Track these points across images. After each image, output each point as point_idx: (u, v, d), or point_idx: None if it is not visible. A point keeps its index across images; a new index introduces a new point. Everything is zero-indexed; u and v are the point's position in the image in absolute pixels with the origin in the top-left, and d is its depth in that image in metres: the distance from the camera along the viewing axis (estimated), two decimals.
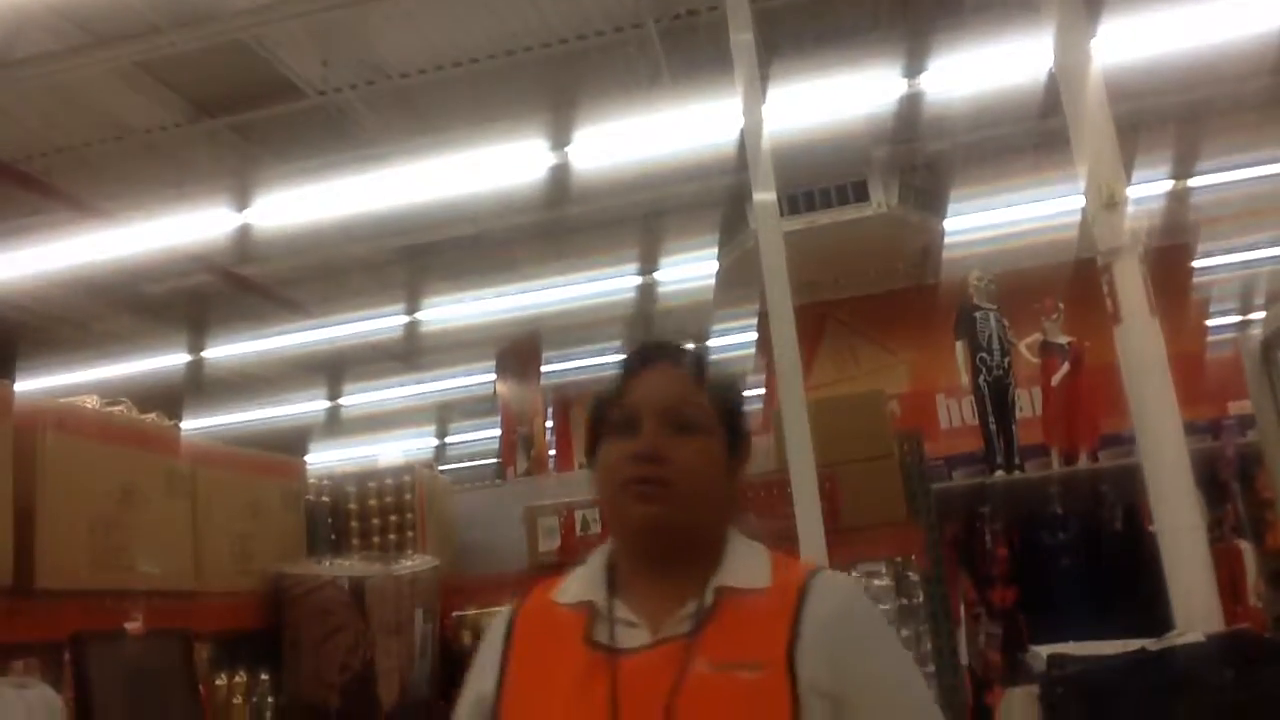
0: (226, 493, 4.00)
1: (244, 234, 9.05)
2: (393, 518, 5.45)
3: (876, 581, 5.41)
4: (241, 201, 8.57)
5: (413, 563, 4.71)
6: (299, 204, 8.54)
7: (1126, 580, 6.73)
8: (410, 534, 5.40)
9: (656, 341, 1.72)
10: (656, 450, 1.52)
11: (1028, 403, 9.02)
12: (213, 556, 3.83)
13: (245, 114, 8.43)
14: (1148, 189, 9.59)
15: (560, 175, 8.68)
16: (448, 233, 10.31)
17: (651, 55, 7.98)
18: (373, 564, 4.53)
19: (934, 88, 7.83)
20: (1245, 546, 6.97)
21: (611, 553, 1.63)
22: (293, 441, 13.06)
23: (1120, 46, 6.83)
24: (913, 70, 7.59)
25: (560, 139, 8.04)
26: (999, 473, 7.69)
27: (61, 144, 8.61)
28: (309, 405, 15.32)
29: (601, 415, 1.64)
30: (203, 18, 6.79)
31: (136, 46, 7.04)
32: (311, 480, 5.31)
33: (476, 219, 10.03)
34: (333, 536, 5.32)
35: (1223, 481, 7.31)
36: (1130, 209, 5.36)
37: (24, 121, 8.17)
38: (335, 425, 15.75)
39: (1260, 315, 6.99)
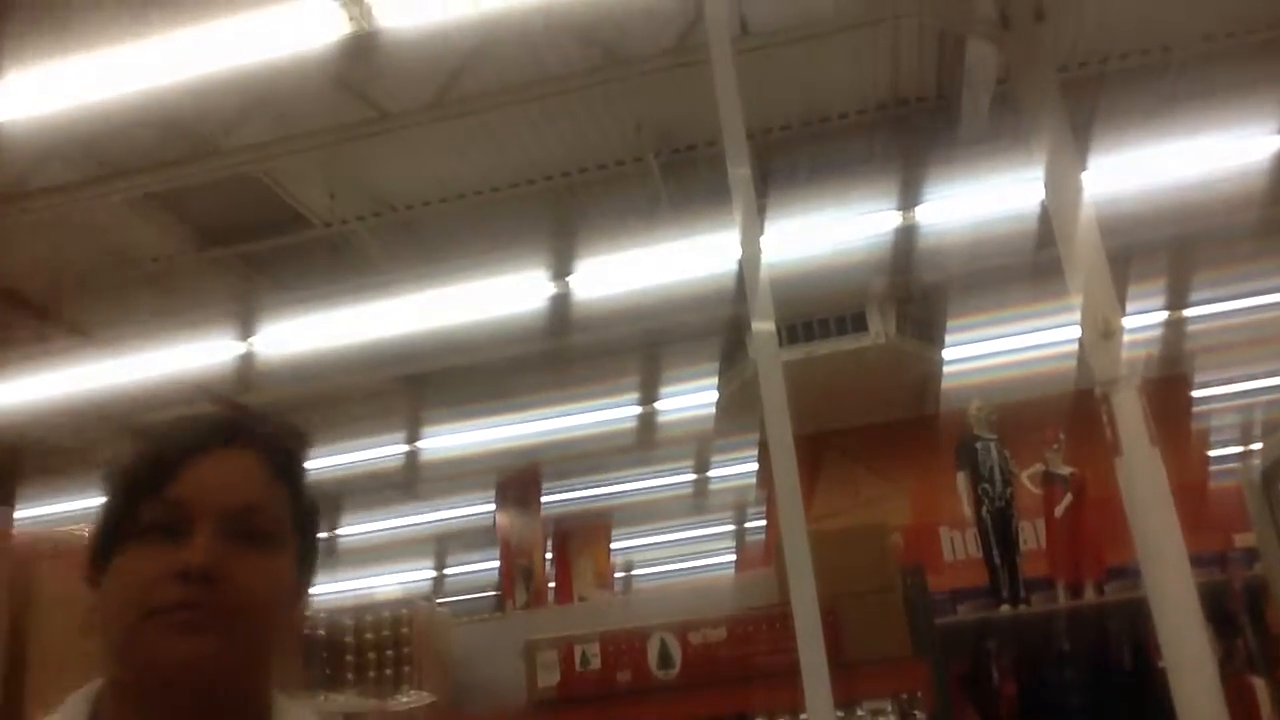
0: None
1: (246, 362, 9.10)
2: (389, 652, 5.35)
3: (882, 718, 5.28)
4: (245, 330, 8.64)
5: (409, 698, 4.61)
6: (302, 332, 8.60)
7: (1137, 717, 6.58)
8: (407, 669, 5.30)
9: (231, 415, 1.27)
10: (213, 566, 1.07)
11: (1031, 534, 8.93)
12: None
13: (252, 244, 8.56)
14: (1144, 319, 9.68)
15: (561, 305, 8.77)
16: (449, 362, 10.36)
17: (651, 188, 8.15)
18: (369, 699, 4.42)
19: (929, 220, 7.97)
20: (1257, 682, 6.83)
21: (98, 699, 1.14)
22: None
23: (1111, 179, 6.98)
24: (908, 203, 7.73)
25: (561, 269, 8.14)
26: (1004, 607, 7.58)
27: (69, 272, 8.72)
28: None
29: (127, 509, 1.14)
30: (213, 151, 6.95)
31: (148, 178, 7.19)
32: (307, 613, 5.22)
33: (477, 348, 10.09)
34: (328, 670, 5.22)
35: (1232, 615, 7.21)
36: (1126, 339, 5.40)
37: (33, 250, 8.30)
38: (332, 556, 15.56)
39: (1260, 446, 6.98)
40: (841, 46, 6.86)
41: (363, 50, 5.84)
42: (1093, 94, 7.75)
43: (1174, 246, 9.22)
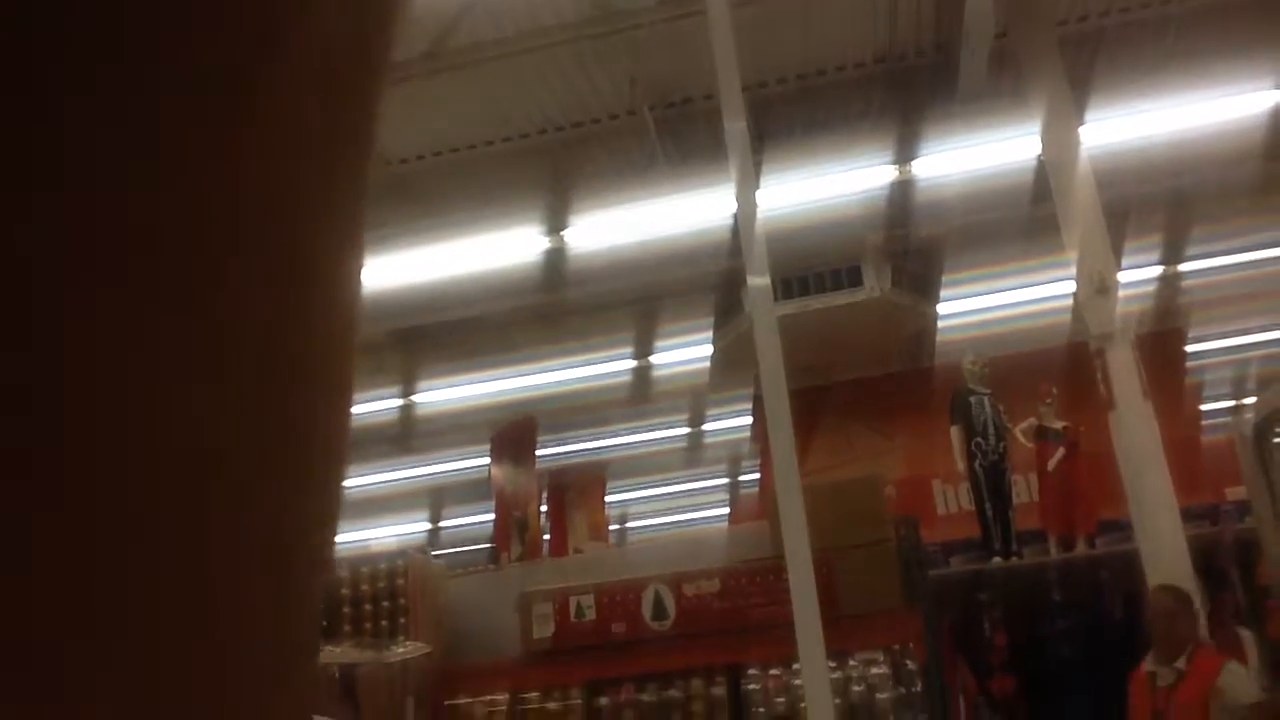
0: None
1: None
2: (385, 603, 5.40)
3: (874, 670, 5.35)
4: None
5: (405, 650, 4.65)
6: None
7: (1127, 669, 6.66)
8: (402, 620, 5.35)
9: None
10: None
11: (1024, 488, 8.98)
12: None
13: None
14: (1138, 274, 9.68)
15: (556, 259, 8.75)
16: (443, 316, 10.35)
17: (647, 142, 8.10)
18: (364, 651, 4.47)
19: (925, 174, 7.94)
20: (1246, 634, 6.90)
21: None
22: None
23: (1108, 134, 6.95)
24: (904, 157, 7.70)
25: (556, 223, 8.12)
26: (996, 559, 7.64)
27: None
28: None
29: None
30: None
31: None
32: None
33: (472, 302, 10.08)
34: (324, 622, 5.26)
35: (1222, 568, 7.27)
36: (1121, 294, 5.41)
37: None
38: None
39: (1253, 400, 7.02)
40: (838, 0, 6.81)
41: None
42: (1090, 49, 7.70)
43: (1170, 202, 9.21)
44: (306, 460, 0.27)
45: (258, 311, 0.24)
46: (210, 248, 0.22)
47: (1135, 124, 7.28)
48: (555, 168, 8.28)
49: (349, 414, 0.29)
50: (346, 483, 0.31)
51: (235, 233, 0.23)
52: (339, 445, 0.29)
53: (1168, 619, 4.63)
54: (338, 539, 0.30)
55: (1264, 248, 9.97)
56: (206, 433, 0.23)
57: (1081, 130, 5.84)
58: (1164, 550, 5.07)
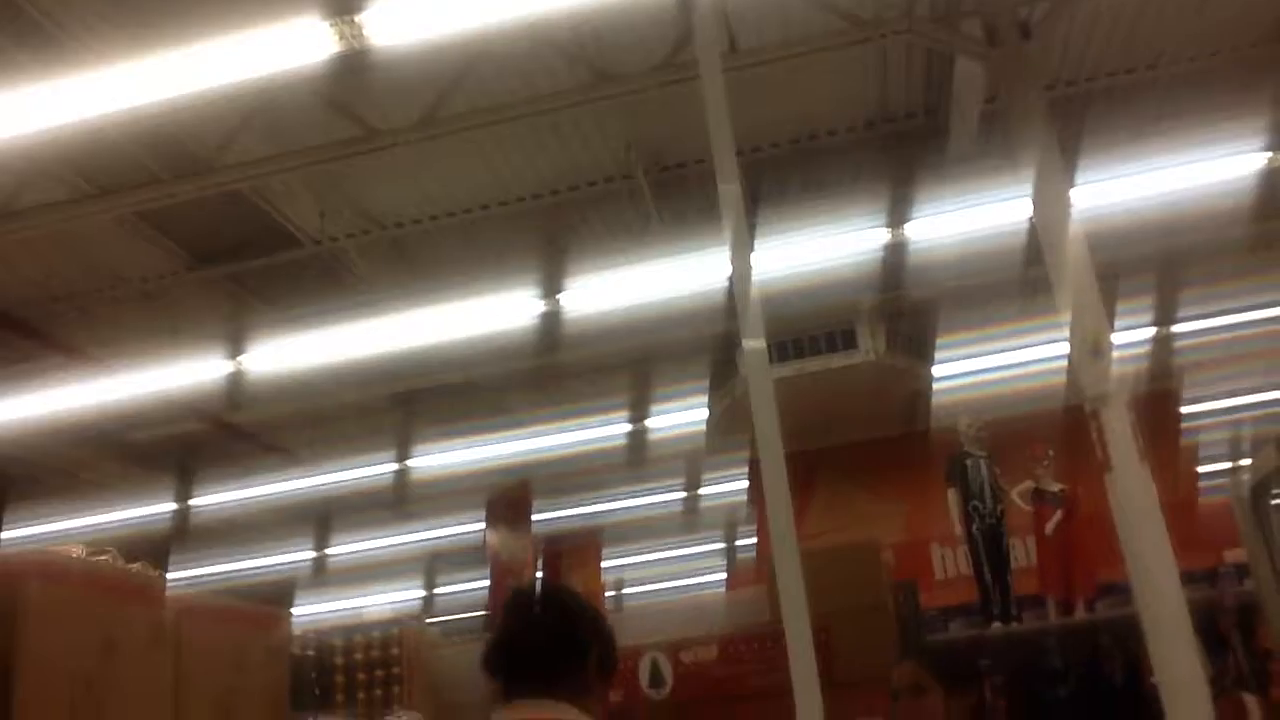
0: (210, 645, 3.91)
1: (236, 381, 9.07)
2: (379, 673, 5.34)
3: None
4: (235, 349, 8.62)
5: (399, 719, 4.59)
6: (292, 351, 8.58)
7: None
8: (397, 689, 5.28)
9: None
10: None
11: (1022, 551, 8.93)
12: (194, 712, 3.72)
13: (242, 263, 8.55)
14: (1132, 336, 9.71)
15: (551, 322, 8.77)
16: (439, 379, 10.35)
17: (642, 205, 8.16)
18: None
19: (918, 237, 8.00)
20: (1249, 700, 6.82)
21: None
22: (279, 592, 12.84)
23: (1099, 196, 7.01)
24: (897, 219, 7.76)
25: (552, 286, 8.15)
26: (996, 624, 7.57)
27: (58, 292, 8.70)
28: (296, 555, 15.11)
29: None
30: (202, 169, 6.94)
31: (137, 197, 7.17)
32: (297, 633, 5.22)
33: (468, 366, 10.09)
34: (318, 691, 5.19)
35: (1223, 632, 7.21)
36: (1115, 355, 5.41)
37: (21, 269, 8.27)
38: (322, 575, 15.50)
39: (1248, 462, 7.00)
40: (830, 64, 6.89)
41: (353, 69, 5.84)
42: (1080, 112, 7.80)
43: (1162, 263, 9.27)
44: None
45: None
46: None
47: (1126, 186, 7.36)
48: (551, 231, 8.33)
49: None
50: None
51: None
52: None
53: None
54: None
55: (1256, 309, 10.02)
56: None
57: (1072, 193, 5.88)
58: (1164, 614, 5.01)
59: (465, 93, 6.60)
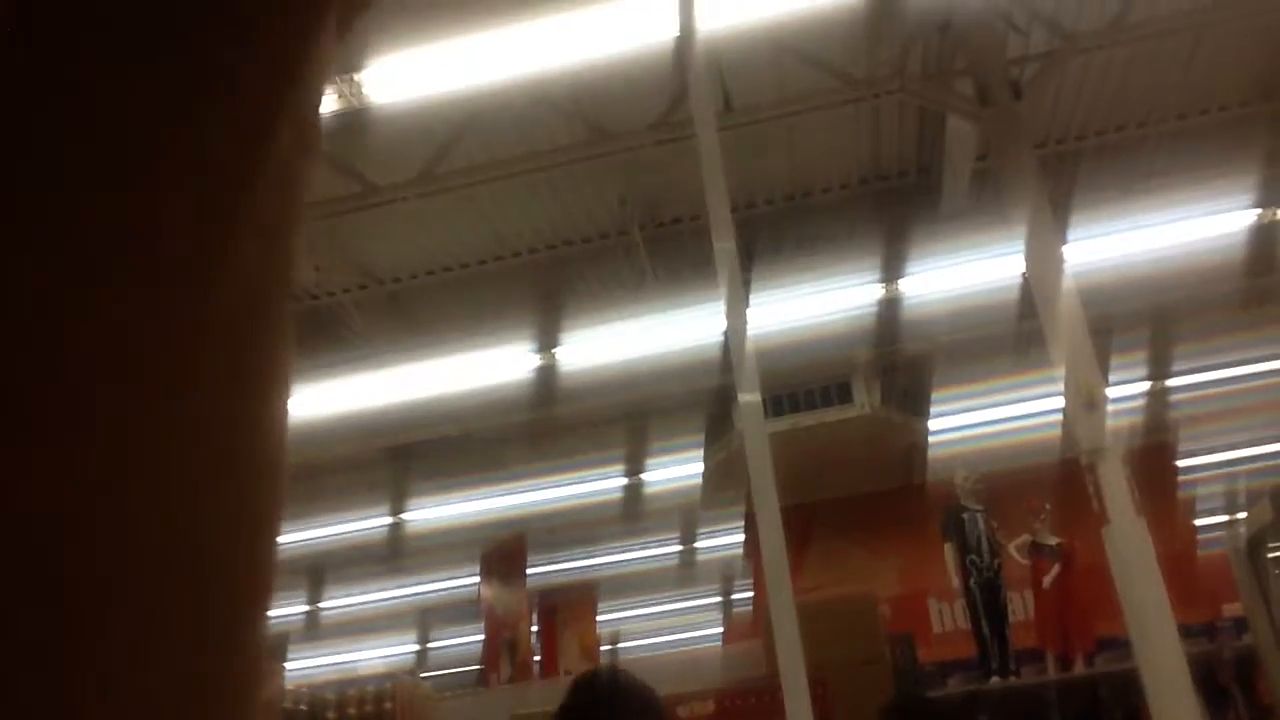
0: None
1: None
2: None
3: None
4: None
5: None
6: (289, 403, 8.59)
7: None
8: None
9: None
10: None
11: (1020, 605, 8.90)
12: None
13: None
14: (1126, 389, 9.75)
15: (547, 376, 8.79)
16: (434, 433, 10.35)
17: (637, 261, 8.22)
18: None
19: (912, 292, 8.05)
20: None
21: None
22: (272, 646, 12.71)
23: (1090, 252, 7.08)
24: (891, 275, 7.82)
25: (547, 341, 8.18)
26: (994, 679, 7.52)
27: None
28: (288, 609, 15.00)
29: None
30: None
31: None
32: (290, 688, 5.18)
33: (463, 419, 10.09)
34: None
35: (1222, 685, 7.17)
36: (1110, 409, 5.44)
37: None
38: (315, 629, 15.38)
39: (1244, 515, 7.01)
40: (824, 122, 6.98)
41: (352, 125, 5.92)
42: (1071, 169, 7.89)
43: (1155, 318, 9.32)
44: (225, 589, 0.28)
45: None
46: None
47: (1117, 242, 7.43)
48: (547, 286, 8.38)
49: (273, 551, 0.30)
50: (270, 617, 0.31)
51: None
52: (261, 580, 0.29)
53: None
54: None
55: (1248, 363, 10.07)
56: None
57: (1064, 248, 5.95)
58: (1163, 668, 5.00)
59: (463, 149, 6.67)
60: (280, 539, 0.31)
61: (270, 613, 0.31)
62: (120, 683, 0.25)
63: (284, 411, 0.31)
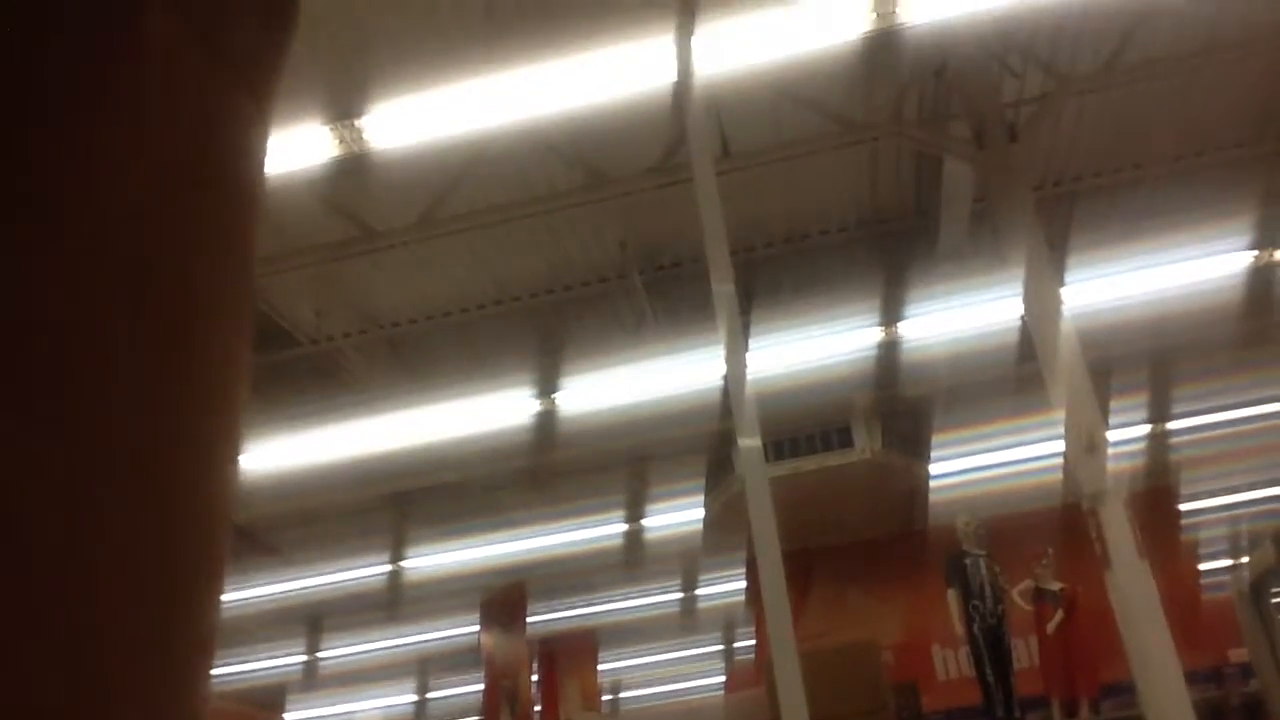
0: None
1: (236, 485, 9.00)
2: None
3: None
4: None
5: None
6: (286, 449, 8.56)
7: None
8: None
9: None
10: None
11: (1024, 651, 8.82)
12: None
13: None
14: (1127, 432, 9.72)
15: (547, 421, 8.77)
16: (433, 479, 10.30)
17: (637, 304, 8.22)
18: None
19: (912, 335, 8.05)
20: None
21: None
22: (272, 695, 12.61)
23: (1089, 294, 7.09)
24: (890, 318, 7.82)
25: (547, 385, 8.17)
26: None
27: None
28: (288, 658, 14.88)
29: None
30: None
31: None
32: None
33: (463, 465, 10.05)
34: None
35: None
36: (1111, 452, 5.42)
37: None
38: (315, 678, 15.24)
39: (1247, 559, 6.96)
40: (822, 166, 7.01)
41: (352, 170, 5.94)
42: (1067, 211, 7.92)
43: (1154, 360, 9.32)
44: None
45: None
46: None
47: (1115, 284, 7.44)
48: (546, 330, 8.38)
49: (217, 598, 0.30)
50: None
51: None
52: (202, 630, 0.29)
53: None
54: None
55: (1248, 405, 10.05)
56: None
57: (1062, 290, 5.95)
58: (1169, 715, 4.94)
59: (463, 194, 6.70)
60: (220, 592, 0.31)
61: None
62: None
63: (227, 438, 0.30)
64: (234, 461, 0.31)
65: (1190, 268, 7.50)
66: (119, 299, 0.27)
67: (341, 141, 5.65)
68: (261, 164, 0.32)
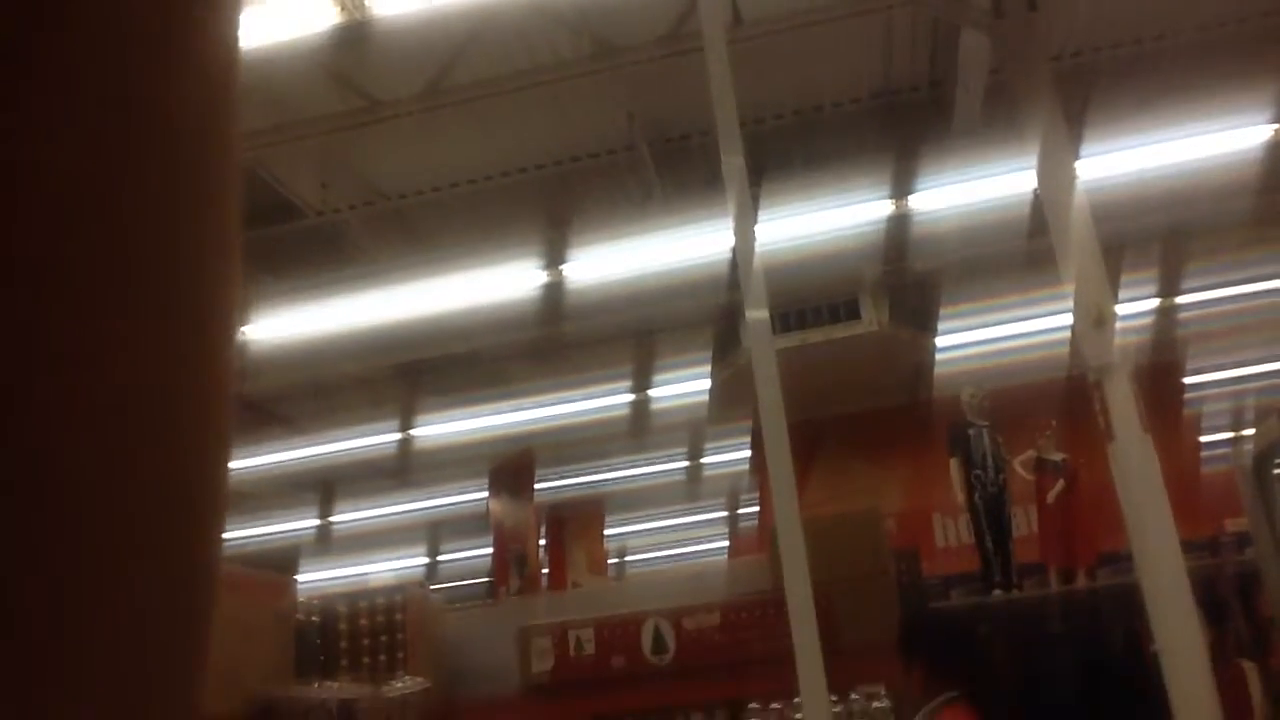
0: (217, 613, 3.95)
1: (238, 351, 9.08)
2: (383, 638, 5.38)
3: (876, 704, 5.32)
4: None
5: (403, 685, 4.64)
6: (295, 322, 8.60)
7: (1129, 702, 6.62)
8: (401, 655, 5.33)
9: None
10: None
11: (1023, 520, 8.97)
12: None
13: (243, 233, 8.54)
14: (1136, 307, 9.71)
15: (554, 293, 8.77)
16: (442, 350, 10.37)
17: (644, 177, 8.15)
18: (363, 686, 4.45)
19: (922, 208, 7.98)
20: (1249, 666, 6.87)
21: None
22: (285, 559, 12.92)
23: (1104, 168, 7.00)
24: (901, 191, 7.75)
25: (554, 257, 8.15)
26: (997, 592, 7.62)
27: None
28: (300, 523, 15.19)
29: None
30: None
31: None
32: (301, 600, 5.27)
33: (470, 336, 10.10)
34: (322, 657, 5.24)
35: (1223, 600, 7.25)
36: (1118, 326, 5.43)
37: None
38: (326, 544, 15.59)
39: (1252, 432, 7.02)
40: (834, 36, 6.86)
41: (354, 39, 5.83)
42: (1086, 83, 7.76)
43: (1166, 234, 9.25)
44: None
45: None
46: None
47: (1131, 158, 7.34)
48: (553, 203, 8.32)
49: (225, 465, 0.31)
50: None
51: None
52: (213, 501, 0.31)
53: None
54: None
55: (1260, 280, 10.01)
56: None
57: (1077, 165, 5.88)
58: (1165, 583, 5.05)
59: (468, 64, 6.58)
60: (229, 464, 0.32)
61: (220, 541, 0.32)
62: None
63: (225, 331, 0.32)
64: (233, 328, 0.33)
65: (1208, 142, 7.37)
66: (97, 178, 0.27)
67: (343, 8, 5.53)
68: (235, 29, 0.32)
